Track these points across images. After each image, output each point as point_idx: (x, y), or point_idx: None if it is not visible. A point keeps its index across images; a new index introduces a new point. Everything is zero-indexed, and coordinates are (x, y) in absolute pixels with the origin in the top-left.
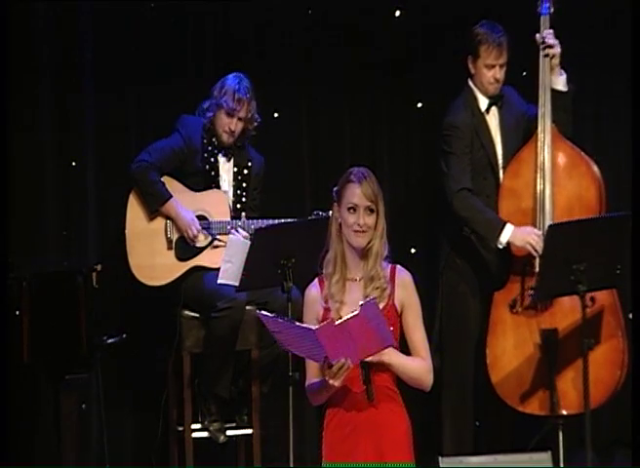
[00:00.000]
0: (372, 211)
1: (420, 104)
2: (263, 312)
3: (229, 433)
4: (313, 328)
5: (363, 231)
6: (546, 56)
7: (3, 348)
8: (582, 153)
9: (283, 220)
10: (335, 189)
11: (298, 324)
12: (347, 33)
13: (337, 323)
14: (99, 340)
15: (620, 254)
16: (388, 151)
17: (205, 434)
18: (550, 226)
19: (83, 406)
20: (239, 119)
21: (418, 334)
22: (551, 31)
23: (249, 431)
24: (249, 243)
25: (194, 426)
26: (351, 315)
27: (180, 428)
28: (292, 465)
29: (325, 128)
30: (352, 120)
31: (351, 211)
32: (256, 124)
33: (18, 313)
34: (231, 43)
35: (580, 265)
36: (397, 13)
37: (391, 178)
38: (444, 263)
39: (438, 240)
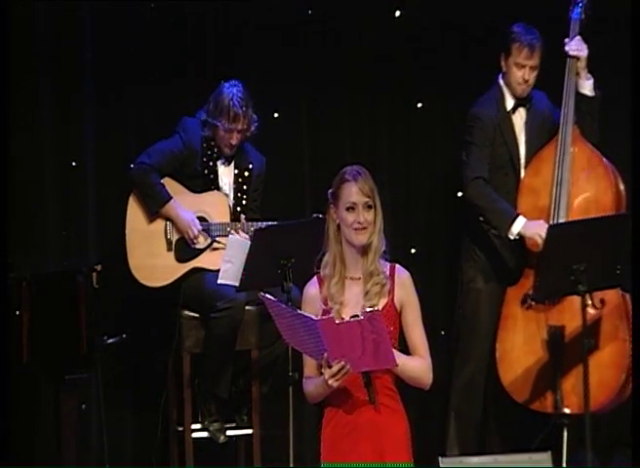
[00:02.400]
0: (370, 206)
1: (420, 104)
2: (267, 295)
3: (229, 433)
4: (315, 318)
5: (364, 228)
6: (572, 58)
7: (3, 348)
8: (603, 158)
9: (283, 221)
10: (330, 191)
11: (300, 312)
12: (347, 33)
13: (338, 321)
14: (99, 340)
15: (619, 254)
16: (388, 151)
17: (205, 434)
18: (550, 226)
19: (83, 406)
20: (238, 131)
21: (417, 333)
22: (579, 36)
23: (249, 431)
24: (249, 243)
25: (194, 426)
26: (355, 319)
27: (180, 428)
28: (292, 465)
29: (325, 128)
30: (352, 120)
31: (350, 209)
32: (253, 128)
33: (18, 313)
34: (231, 43)
35: (580, 265)
36: (397, 13)
37: (391, 178)
38: (463, 256)
39: (457, 235)
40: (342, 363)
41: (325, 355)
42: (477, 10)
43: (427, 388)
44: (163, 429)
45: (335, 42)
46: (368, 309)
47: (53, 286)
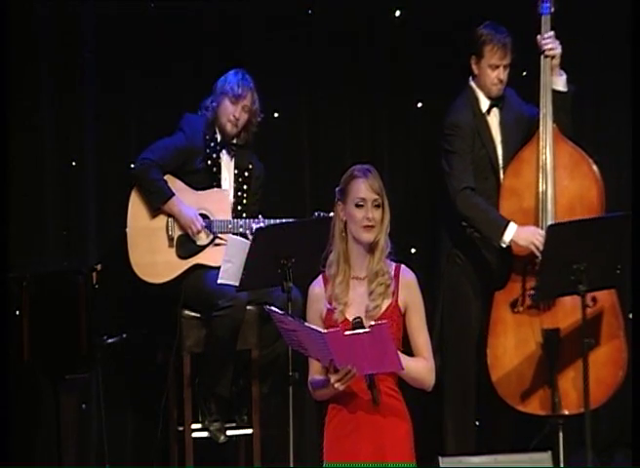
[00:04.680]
0: (378, 205)
1: (420, 104)
2: (273, 308)
3: (229, 433)
4: (323, 331)
5: (372, 226)
6: (547, 56)
7: (3, 348)
8: (584, 153)
9: (283, 220)
10: (338, 188)
11: (308, 325)
12: (347, 33)
13: (346, 333)
14: (99, 340)
15: (619, 254)
16: (388, 151)
17: (205, 434)
18: (550, 226)
19: (83, 406)
20: (243, 108)
21: (421, 335)
22: (552, 32)
23: (249, 431)
24: (249, 242)
25: (194, 426)
26: (362, 331)
27: (181, 428)
28: (292, 465)
29: (325, 128)
30: (352, 120)
31: (359, 206)
32: (259, 119)
33: (18, 313)
34: (231, 43)
35: (581, 265)
36: (397, 13)
37: (391, 178)
38: (445, 260)
39: (439, 239)
40: (349, 367)
41: (331, 361)
42: (477, 10)
43: (430, 389)
44: (163, 429)
45: (335, 42)
46: (373, 322)
47: (53, 286)
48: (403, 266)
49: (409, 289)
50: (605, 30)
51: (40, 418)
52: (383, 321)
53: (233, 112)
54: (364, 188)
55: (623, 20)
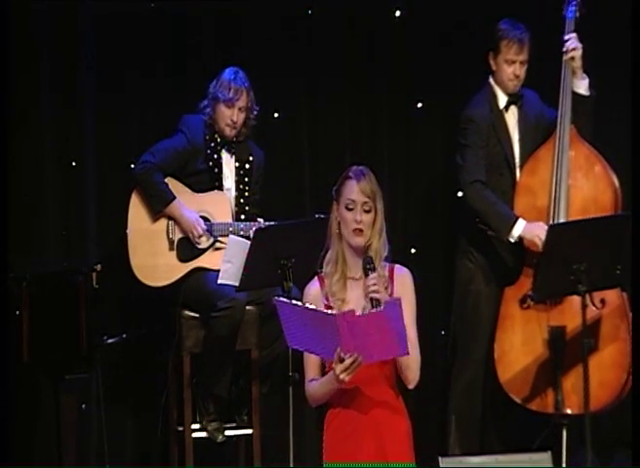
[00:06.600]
0: (368, 210)
1: (420, 104)
2: (282, 299)
3: (229, 433)
4: (334, 312)
5: (361, 229)
6: (569, 58)
7: (3, 348)
8: (601, 156)
9: (283, 221)
10: (334, 188)
11: (318, 309)
12: (347, 33)
13: (358, 314)
14: (99, 340)
15: (619, 254)
16: (388, 151)
17: (205, 434)
18: (550, 226)
19: (83, 406)
20: (239, 109)
21: (410, 330)
22: (574, 34)
23: (249, 431)
24: (249, 243)
25: (194, 426)
26: (375, 310)
27: (180, 428)
28: (292, 465)
29: (325, 128)
30: (352, 120)
31: (349, 208)
32: (255, 113)
33: (18, 313)
34: (231, 43)
35: (581, 265)
36: (397, 13)
37: (391, 178)
38: (459, 258)
39: (452, 236)
40: (355, 355)
41: (338, 349)
42: (477, 9)
43: (411, 386)
44: (163, 429)
45: (335, 42)
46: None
47: (53, 286)
48: (397, 265)
49: (403, 284)
50: (605, 30)
51: (40, 418)
52: (397, 297)
53: (230, 116)
54: (355, 191)
55: (623, 19)
